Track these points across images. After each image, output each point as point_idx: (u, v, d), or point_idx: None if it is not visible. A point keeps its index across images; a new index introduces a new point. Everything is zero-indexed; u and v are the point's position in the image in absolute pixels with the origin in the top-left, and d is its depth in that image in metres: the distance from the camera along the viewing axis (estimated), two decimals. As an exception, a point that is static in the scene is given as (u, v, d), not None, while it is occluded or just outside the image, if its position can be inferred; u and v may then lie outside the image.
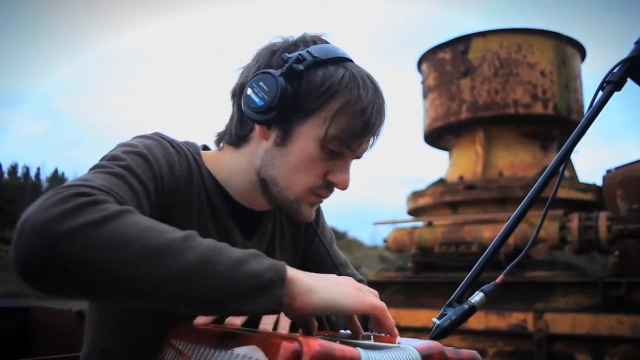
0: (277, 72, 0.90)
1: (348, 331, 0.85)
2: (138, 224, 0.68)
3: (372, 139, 0.97)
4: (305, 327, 0.81)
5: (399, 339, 0.75)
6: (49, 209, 0.65)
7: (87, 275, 0.64)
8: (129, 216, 0.68)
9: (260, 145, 0.97)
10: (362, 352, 0.60)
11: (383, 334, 0.81)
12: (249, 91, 0.91)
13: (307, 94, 0.91)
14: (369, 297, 0.78)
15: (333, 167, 0.95)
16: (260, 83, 0.90)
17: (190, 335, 0.77)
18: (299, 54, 0.91)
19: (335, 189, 0.98)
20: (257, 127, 0.95)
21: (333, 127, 0.91)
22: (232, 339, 0.69)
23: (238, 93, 0.98)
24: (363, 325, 0.85)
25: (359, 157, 0.98)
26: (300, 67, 0.90)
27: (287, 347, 0.57)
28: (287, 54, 0.92)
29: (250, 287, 0.68)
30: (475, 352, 0.73)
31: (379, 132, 0.96)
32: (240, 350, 0.64)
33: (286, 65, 0.90)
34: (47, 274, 0.63)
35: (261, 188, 0.99)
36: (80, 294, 0.70)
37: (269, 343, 0.61)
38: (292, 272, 0.73)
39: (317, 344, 0.57)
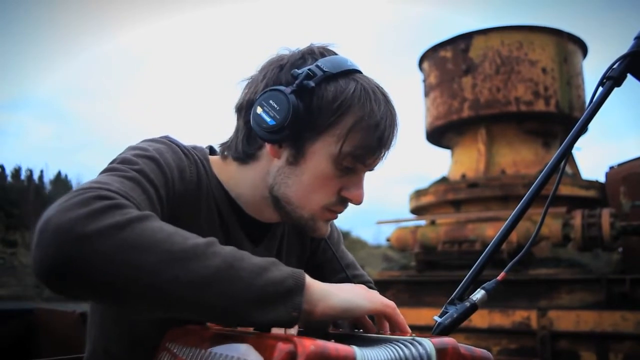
0: (287, 90, 0.87)
1: (361, 330, 0.85)
2: (162, 229, 0.68)
3: (385, 152, 0.95)
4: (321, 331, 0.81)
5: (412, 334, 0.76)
6: (71, 210, 0.65)
7: (111, 277, 0.64)
8: (152, 221, 0.69)
9: (271, 164, 0.96)
10: (357, 351, 0.60)
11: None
12: (259, 110, 0.89)
13: (319, 111, 0.89)
14: (380, 297, 0.80)
15: (347, 183, 0.94)
16: (271, 101, 0.88)
17: (185, 338, 0.77)
18: (309, 70, 0.88)
19: (350, 204, 0.97)
20: (268, 146, 0.93)
21: (347, 144, 0.89)
22: (226, 340, 0.69)
23: (245, 108, 0.96)
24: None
25: (371, 170, 0.97)
26: (311, 83, 0.87)
27: (282, 348, 0.58)
28: (296, 70, 0.89)
29: (271, 294, 0.69)
30: (487, 352, 0.73)
31: (392, 144, 0.95)
32: (235, 352, 0.64)
33: (296, 81, 0.88)
34: (70, 276, 0.63)
35: (273, 205, 0.98)
36: (102, 297, 0.70)
37: (263, 344, 0.61)
38: (309, 280, 0.74)
39: (311, 344, 0.57)
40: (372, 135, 0.90)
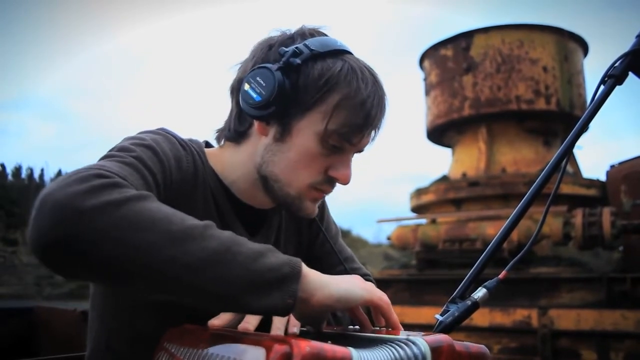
0: (274, 67, 0.89)
1: (357, 327, 0.85)
2: (159, 209, 0.68)
3: (373, 132, 0.95)
4: (318, 324, 0.81)
5: (405, 332, 0.76)
6: (70, 186, 0.65)
7: (107, 255, 0.63)
8: (150, 201, 0.69)
9: (259, 142, 0.97)
10: (353, 352, 0.60)
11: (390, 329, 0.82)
12: (246, 87, 0.90)
13: (305, 88, 0.89)
14: (376, 289, 0.81)
15: (334, 162, 0.94)
16: (257, 78, 0.89)
17: (183, 338, 0.77)
18: (296, 47, 0.89)
19: (338, 184, 0.97)
20: (256, 123, 0.95)
21: (333, 121, 0.90)
22: (223, 340, 0.69)
23: (236, 88, 0.97)
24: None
25: (360, 150, 0.97)
26: (298, 60, 0.88)
27: (277, 349, 0.58)
28: (284, 48, 0.90)
29: (267, 280, 0.68)
30: (484, 346, 0.73)
31: (380, 124, 0.95)
32: (232, 353, 0.64)
33: (283, 59, 0.89)
34: (66, 251, 0.63)
35: (262, 185, 0.98)
36: (97, 275, 0.69)
37: (260, 345, 0.61)
38: (306, 268, 0.73)
39: (307, 345, 0.57)
40: (359, 113, 0.90)
